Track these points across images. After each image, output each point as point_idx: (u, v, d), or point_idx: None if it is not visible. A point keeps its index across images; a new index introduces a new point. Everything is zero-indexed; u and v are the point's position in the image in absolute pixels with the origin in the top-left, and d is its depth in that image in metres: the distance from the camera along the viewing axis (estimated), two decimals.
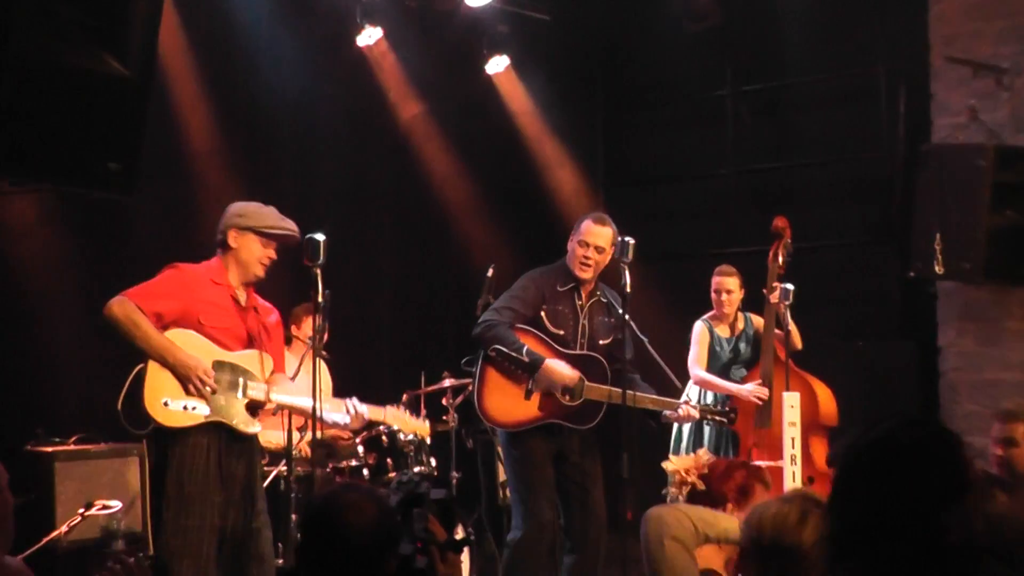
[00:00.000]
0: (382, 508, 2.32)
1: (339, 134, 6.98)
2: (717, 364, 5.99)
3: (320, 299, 4.01)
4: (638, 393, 4.72)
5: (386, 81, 6.99)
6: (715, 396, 5.96)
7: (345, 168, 7.07)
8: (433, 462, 5.72)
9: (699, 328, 6.05)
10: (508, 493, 5.54)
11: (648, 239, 5.44)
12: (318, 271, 4.00)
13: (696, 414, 4.90)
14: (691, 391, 5.89)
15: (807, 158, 7.40)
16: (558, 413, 4.74)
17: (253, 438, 4.13)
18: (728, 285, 6.00)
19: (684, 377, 5.72)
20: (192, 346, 3.97)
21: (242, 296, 4.17)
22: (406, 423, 4.48)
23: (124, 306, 3.89)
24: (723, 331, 6.06)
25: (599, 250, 4.78)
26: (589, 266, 4.79)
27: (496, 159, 7.80)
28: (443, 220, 7.61)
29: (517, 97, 7.70)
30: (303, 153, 6.85)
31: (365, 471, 5.59)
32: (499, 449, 5.30)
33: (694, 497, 3.35)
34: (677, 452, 5.90)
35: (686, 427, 5.96)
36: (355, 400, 4.25)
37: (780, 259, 5.82)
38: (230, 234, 4.13)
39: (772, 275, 5.82)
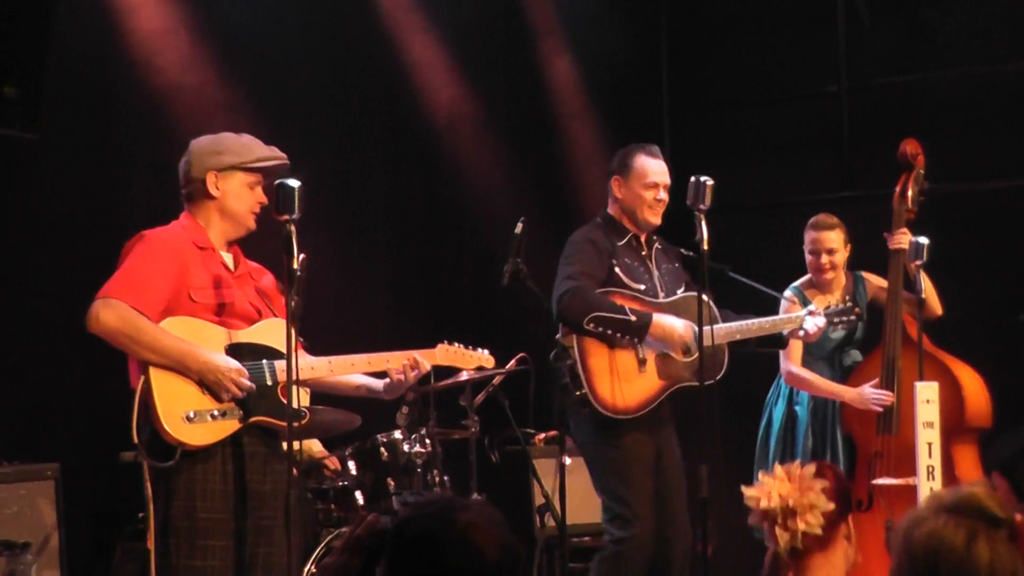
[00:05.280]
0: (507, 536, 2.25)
1: (315, 47, 6.94)
2: (821, 349, 5.86)
3: (295, 266, 3.95)
4: (755, 320, 5.13)
5: None
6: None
7: (324, 94, 7.02)
8: (447, 480, 5.69)
9: (788, 303, 5.84)
10: (546, 520, 5.67)
11: (728, 181, 5.39)
12: (292, 228, 3.92)
13: (822, 322, 5.23)
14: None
15: (952, 67, 7.31)
16: (683, 375, 5.02)
17: (276, 441, 4.11)
18: (828, 242, 5.83)
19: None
20: (196, 335, 3.95)
21: (230, 260, 4.17)
22: (464, 358, 4.51)
23: (117, 311, 3.85)
24: (823, 303, 5.84)
25: (667, 189, 5.18)
26: (661, 209, 5.17)
27: (519, 81, 7.75)
28: (453, 161, 7.57)
29: None
30: (269, 74, 6.82)
31: (359, 494, 5.59)
32: (568, 458, 5.30)
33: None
34: (765, 464, 5.85)
35: (774, 430, 5.92)
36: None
37: (910, 197, 5.72)
38: (209, 179, 4.09)
39: (899, 219, 5.72)
